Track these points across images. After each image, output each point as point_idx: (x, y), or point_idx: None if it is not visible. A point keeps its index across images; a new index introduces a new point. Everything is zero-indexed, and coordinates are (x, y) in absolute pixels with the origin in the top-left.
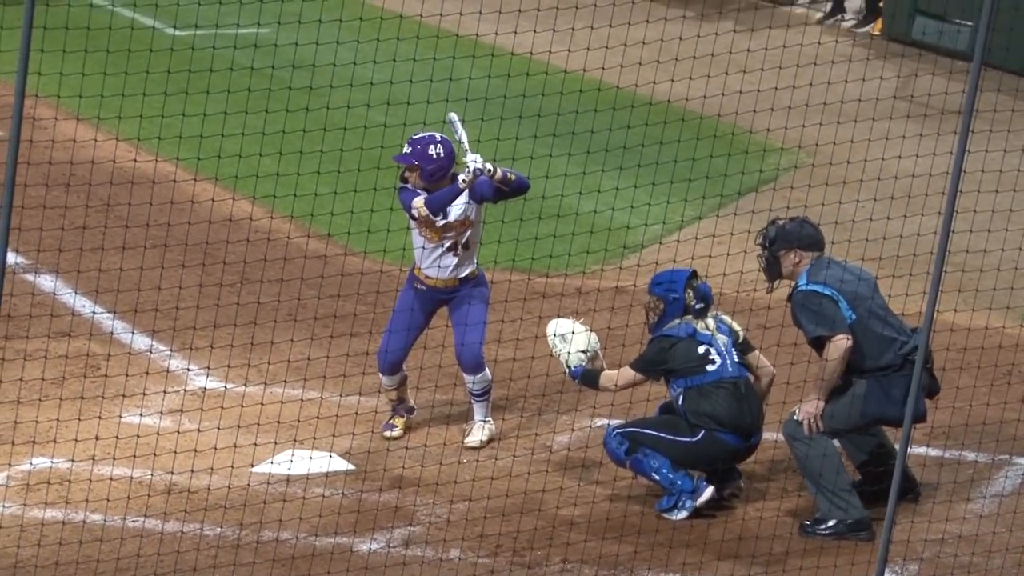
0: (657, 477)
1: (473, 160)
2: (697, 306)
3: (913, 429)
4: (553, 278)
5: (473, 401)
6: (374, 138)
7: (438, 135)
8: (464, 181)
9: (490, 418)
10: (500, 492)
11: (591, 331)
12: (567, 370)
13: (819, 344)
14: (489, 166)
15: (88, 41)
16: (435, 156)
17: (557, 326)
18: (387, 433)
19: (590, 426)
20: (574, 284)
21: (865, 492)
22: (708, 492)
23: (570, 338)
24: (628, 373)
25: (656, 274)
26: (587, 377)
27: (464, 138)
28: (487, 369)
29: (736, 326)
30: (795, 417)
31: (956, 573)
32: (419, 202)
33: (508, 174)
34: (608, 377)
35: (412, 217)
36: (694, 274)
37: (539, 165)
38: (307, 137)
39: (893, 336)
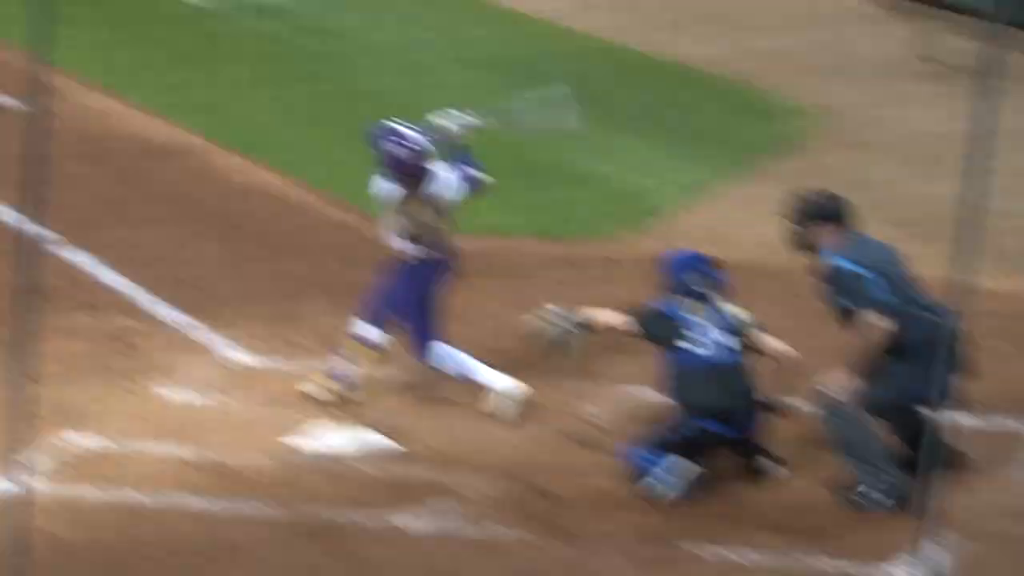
0: (647, 464)
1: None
2: (699, 290)
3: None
4: (572, 245)
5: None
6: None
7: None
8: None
9: (503, 385)
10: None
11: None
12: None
13: (849, 320)
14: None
15: None
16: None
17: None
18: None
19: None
20: (597, 250)
21: (902, 461)
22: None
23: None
24: (618, 316)
25: (664, 253)
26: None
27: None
28: (443, 354)
29: (742, 314)
30: (824, 389)
31: (998, 544)
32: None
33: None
34: (598, 312)
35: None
36: (702, 257)
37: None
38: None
39: (926, 314)
